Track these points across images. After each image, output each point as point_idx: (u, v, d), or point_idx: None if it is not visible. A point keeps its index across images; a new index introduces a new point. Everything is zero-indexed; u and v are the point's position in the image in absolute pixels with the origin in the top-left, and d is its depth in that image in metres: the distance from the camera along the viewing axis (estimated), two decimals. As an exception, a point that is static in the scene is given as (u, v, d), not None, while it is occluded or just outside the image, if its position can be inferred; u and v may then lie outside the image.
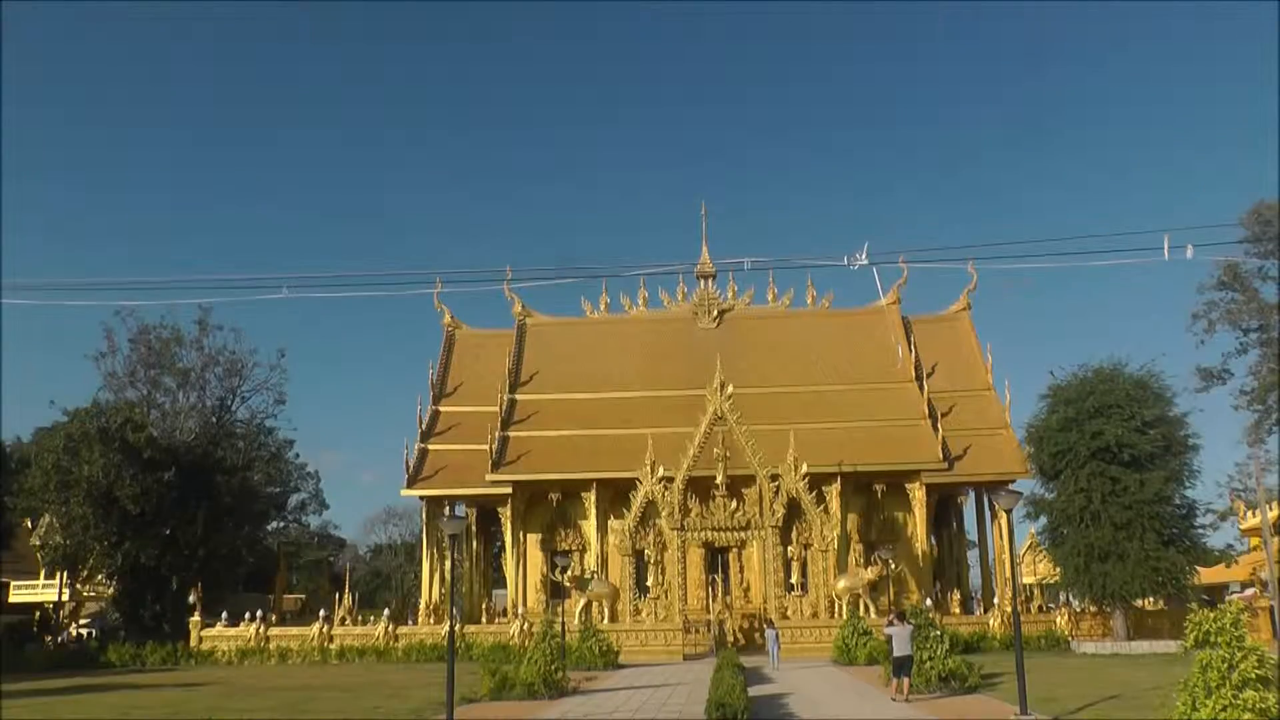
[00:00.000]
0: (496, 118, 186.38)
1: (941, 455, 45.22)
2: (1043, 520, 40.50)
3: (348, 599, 46.75)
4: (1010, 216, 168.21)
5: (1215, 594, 50.79)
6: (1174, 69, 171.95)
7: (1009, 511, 20.84)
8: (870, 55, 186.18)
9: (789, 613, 39.41)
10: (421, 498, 48.47)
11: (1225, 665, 11.03)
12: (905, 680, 21.13)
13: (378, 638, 40.66)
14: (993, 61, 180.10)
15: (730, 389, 42.14)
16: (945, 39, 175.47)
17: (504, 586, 51.97)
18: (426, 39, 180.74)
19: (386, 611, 43.47)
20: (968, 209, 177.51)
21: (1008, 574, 43.15)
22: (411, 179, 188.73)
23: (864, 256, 26.72)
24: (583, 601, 40.96)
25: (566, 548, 46.65)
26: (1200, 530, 38.85)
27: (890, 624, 22.44)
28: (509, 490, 46.32)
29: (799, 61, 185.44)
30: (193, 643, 41.83)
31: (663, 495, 40.73)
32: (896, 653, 21.35)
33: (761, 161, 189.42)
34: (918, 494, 45.97)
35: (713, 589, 42.87)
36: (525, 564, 47.30)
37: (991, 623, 39.84)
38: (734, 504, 41.11)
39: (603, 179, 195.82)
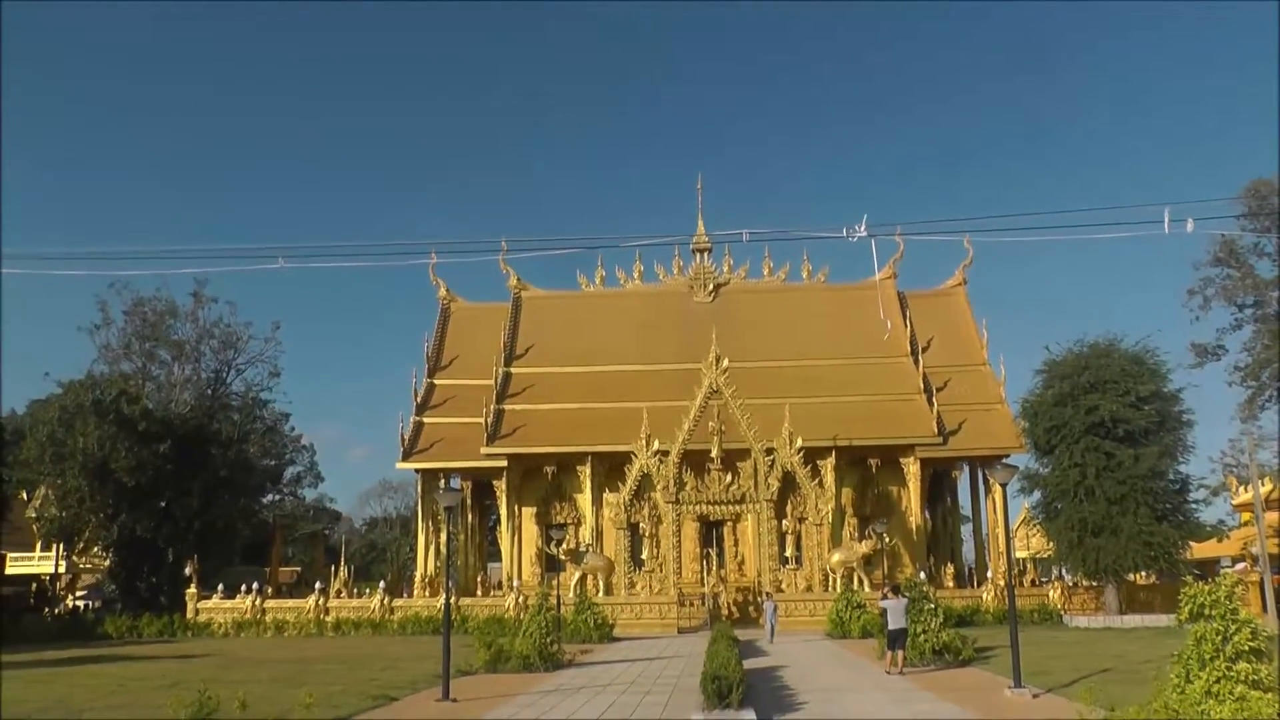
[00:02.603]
0: (494, 94, 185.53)
1: (936, 430, 45.33)
2: (1037, 495, 40.68)
3: (343, 572, 46.87)
4: (1009, 195, 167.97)
5: (1207, 569, 51.06)
6: (1174, 51, 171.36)
7: (1004, 486, 20.91)
8: (871, 34, 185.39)
9: (783, 586, 39.55)
10: (417, 471, 48.60)
11: (1219, 638, 11.06)
12: (899, 653, 21.23)
13: (373, 610, 40.80)
14: (993, 44, 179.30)
15: (725, 363, 42.14)
16: (949, 26, 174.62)
17: (499, 559, 52.10)
18: (427, 17, 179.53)
19: (382, 584, 43.57)
20: (966, 187, 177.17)
21: (1001, 548, 43.34)
22: (407, 155, 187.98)
23: (863, 229, 26.53)
24: (578, 575, 41.06)
25: (562, 521, 46.78)
26: (1193, 505, 39.09)
27: (884, 597, 22.55)
28: (504, 463, 46.41)
29: (799, 42, 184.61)
30: (189, 615, 41.94)
31: (658, 469, 40.79)
32: (891, 626, 21.44)
33: (760, 140, 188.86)
34: (912, 468, 46.12)
35: (707, 562, 43.02)
36: (520, 537, 47.43)
37: (985, 597, 40.00)
38: (729, 478, 41.19)
39: (600, 154, 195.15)
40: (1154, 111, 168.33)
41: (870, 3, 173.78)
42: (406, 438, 47.24)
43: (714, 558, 43.34)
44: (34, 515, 53.04)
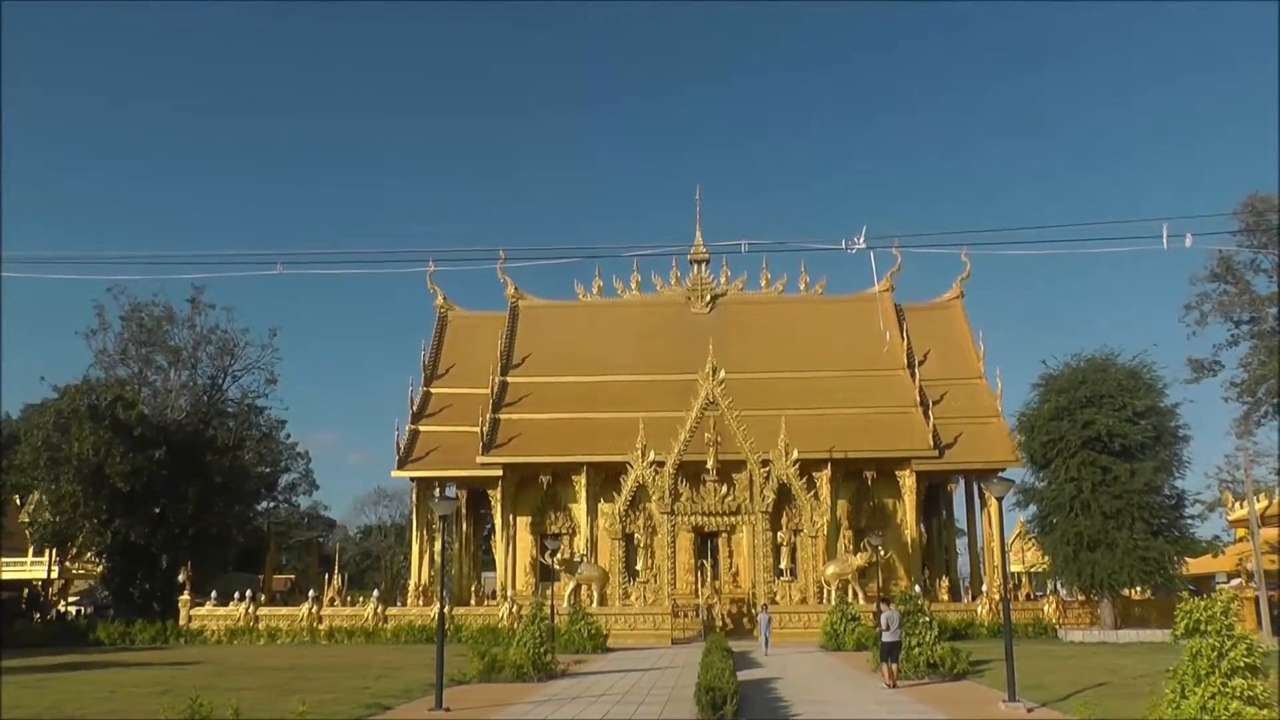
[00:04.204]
0: (493, 101, 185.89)
1: (932, 443, 45.33)
2: (1032, 509, 40.67)
3: (337, 580, 46.79)
4: (1007, 210, 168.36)
5: (1201, 584, 51.08)
6: (1171, 62, 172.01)
7: (999, 499, 20.88)
8: (868, 45, 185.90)
9: (778, 598, 39.51)
10: (412, 479, 48.49)
11: (1215, 653, 11.06)
12: (894, 666, 21.21)
13: (367, 619, 40.71)
14: (990, 54, 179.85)
15: (722, 374, 42.15)
16: (943, 31, 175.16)
17: (493, 569, 52.03)
18: (425, 23, 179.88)
19: (376, 592, 43.51)
20: (964, 201, 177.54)
21: (996, 562, 43.33)
22: (407, 162, 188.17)
23: (861, 240, 26.60)
24: (572, 584, 41.01)
25: (556, 531, 46.67)
26: (1189, 521, 39.14)
27: (879, 610, 22.51)
28: (499, 472, 46.33)
29: (798, 49, 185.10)
30: (182, 621, 41.86)
31: (653, 479, 40.76)
32: (885, 638, 21.45)
33: (759, 150, 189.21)
34: (908, 481, 46.11)
35: (702, 573, 42.99)
36: (515, 546, 47.34)
37: (980, 610, 40.00)
38: (724, 489, 41.18)
39: (598, 162, 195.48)
40: (1154, 116, 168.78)
41: (868, 5, 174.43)
42: (402, 446, 47.15)
43: (708, 569, 43.30)
44: (27, 520, 52.92)
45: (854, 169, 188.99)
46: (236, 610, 41.65)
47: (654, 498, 40.83)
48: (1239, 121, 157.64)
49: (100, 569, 50.14)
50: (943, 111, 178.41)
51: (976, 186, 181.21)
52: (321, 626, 40.75)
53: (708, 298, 53.73)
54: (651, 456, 41.10)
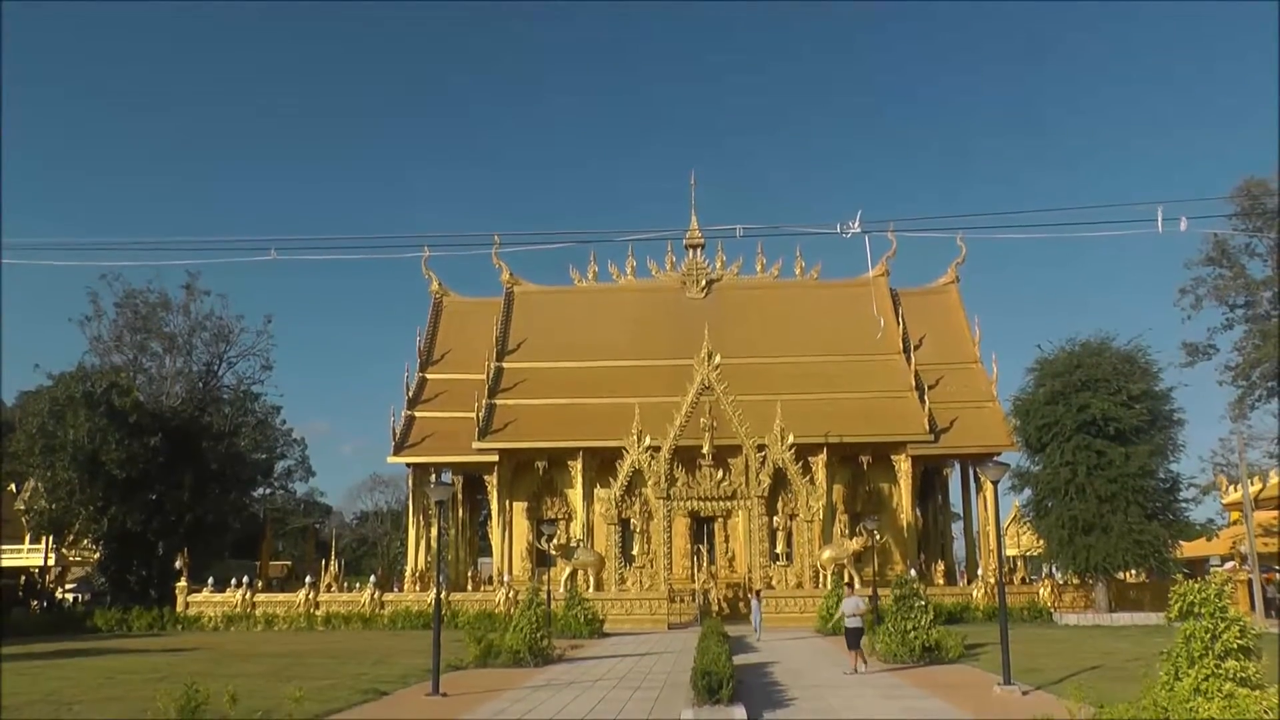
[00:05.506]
0: (488, 88, 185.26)
1: (928, 427, 45.38)
2: (1027, 493, 40.81)
3: (334, 566, 46.81)
4: (1004, 192, 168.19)
5: (1196, 567, 51.24)
6: (1169, 49, 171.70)
7: (995, 483, 20.92)
8: (867, 29, 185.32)
9: (774, 582, 39.57)
10: (408, 465, 48.50)
11: (1209, 635, 11.09)
12: (857, 651, 21.12)
13: (363, 605, 40.77)
14: (990, 38, 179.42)
15: (718, 359, 42.10)
16: (940, 17, 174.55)
17: (490, 554, 52.10)
18: (424, 16, 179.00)
19: (372, 578, 43.53)
20: (961, 184, 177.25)
21: (992, 546, 43.46)
22: (401, 149, 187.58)
23: (856, 225, 26.55)
24: (568, 570, 41.07)
25: (553, 516, 46.74)
26: (1183, 504, 39.31)
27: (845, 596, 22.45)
28: (495, 458, 46.35)
29: (794, 36, 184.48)
30: (179, 608, 41.91)
31: (649, 464, 40.77)
32: (849, 625, 21.29)
33: (754, 136, 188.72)
34: (903, 466, 46.17)
35: (698, 558, 43.07)
36: (511, 532, 47.39)
37: (975, 594, 40.13)
38: (720, 474, 41.17)
39: (593, 149, 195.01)
40: (1152, 108, 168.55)
41: (869, 5, 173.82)
42: (398, 432, 47.15)
43: (704, 554, 43.38)
44: (23, 508, 52.91)
45: (853, 159, 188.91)
46: (233, 597, 41.71)
47: (650, 483, 40.84)
48: (1238, 122, 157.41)
49: (97, 556, 50.16)
50: (943, 111, 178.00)
51: (977, 186, 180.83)
52: (318, 613, 40.82)
53: (703, 283, 53.69)
54: (647, 442, 41.08)
